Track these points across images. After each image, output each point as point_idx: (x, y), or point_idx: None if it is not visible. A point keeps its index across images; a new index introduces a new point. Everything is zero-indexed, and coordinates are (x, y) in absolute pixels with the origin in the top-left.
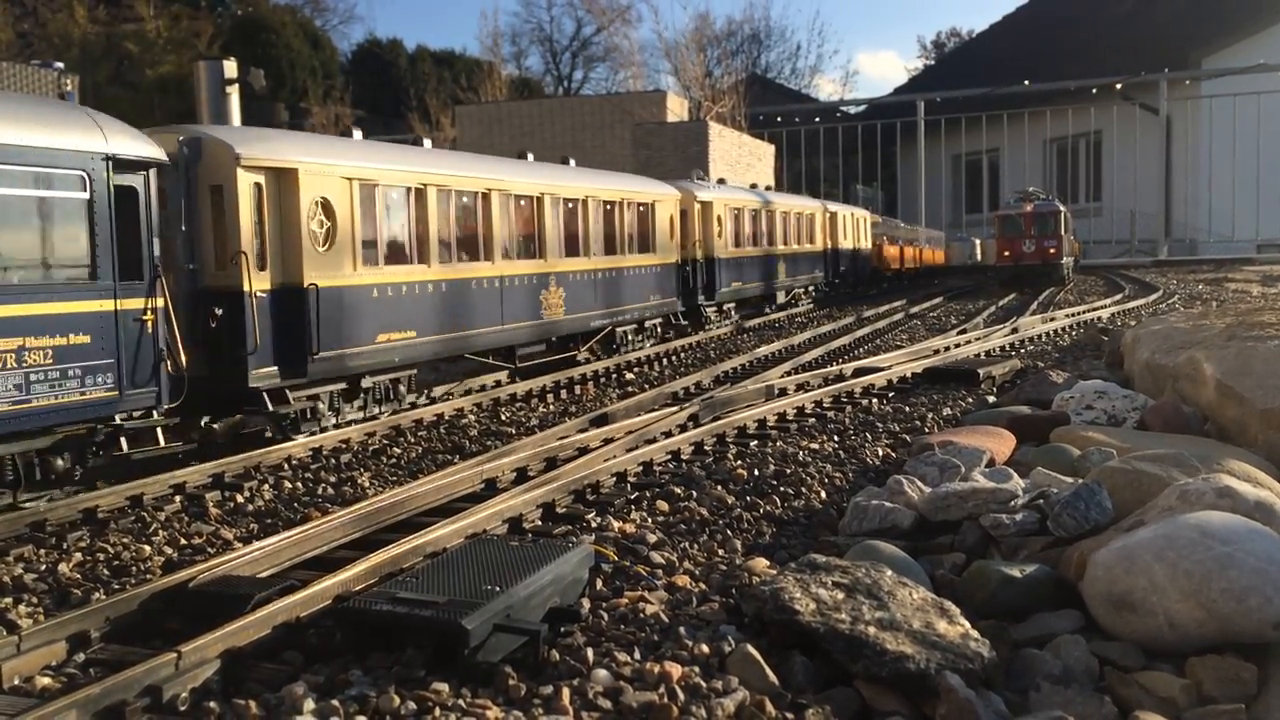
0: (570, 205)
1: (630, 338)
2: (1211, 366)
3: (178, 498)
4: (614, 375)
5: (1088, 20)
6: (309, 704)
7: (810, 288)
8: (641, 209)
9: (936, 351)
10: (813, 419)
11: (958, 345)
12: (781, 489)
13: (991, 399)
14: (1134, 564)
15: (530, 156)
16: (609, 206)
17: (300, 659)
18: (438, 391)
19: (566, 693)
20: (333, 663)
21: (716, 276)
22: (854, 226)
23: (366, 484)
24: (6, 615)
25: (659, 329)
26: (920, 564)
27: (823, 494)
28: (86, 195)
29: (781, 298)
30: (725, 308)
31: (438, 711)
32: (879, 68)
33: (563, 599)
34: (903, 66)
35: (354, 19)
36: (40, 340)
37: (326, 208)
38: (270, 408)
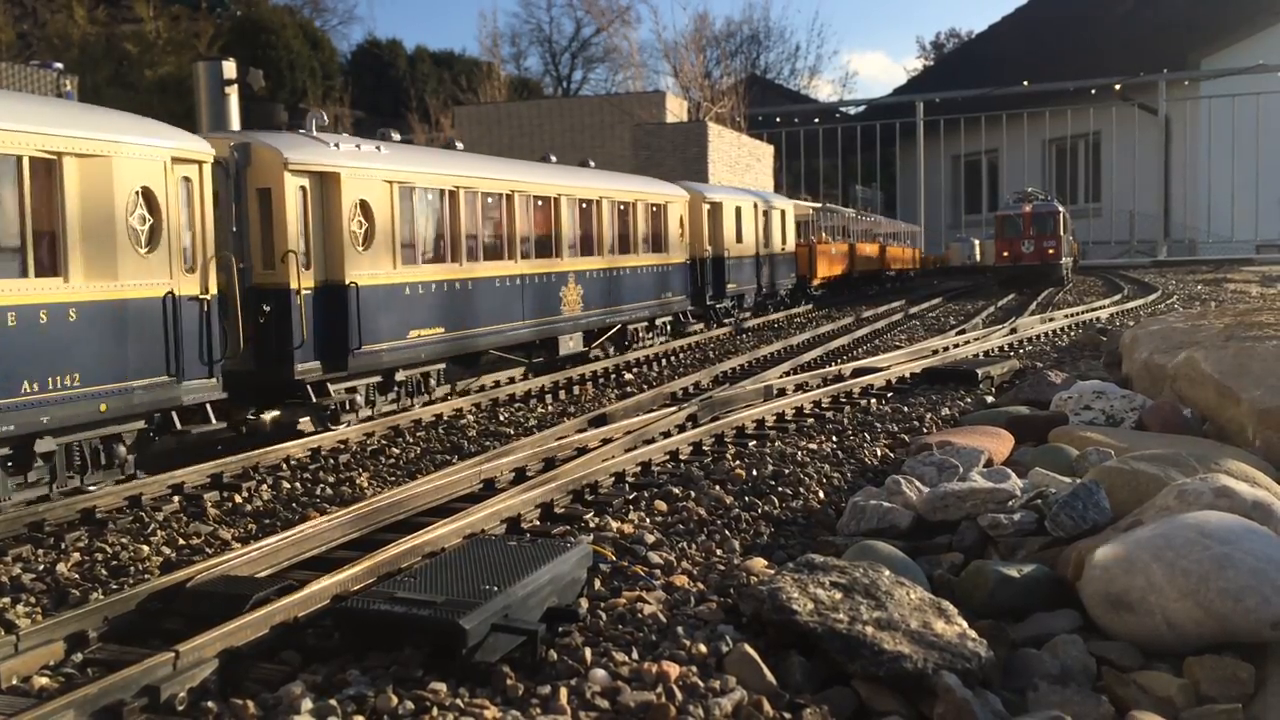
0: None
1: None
2: (1210, 367)
3: (176, 498)
4: (613, 376)
5: (1087, 21)
6: (307, 703)
7: (663, 318)
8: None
9: (935, 352)
10: (811, 419)
11: (956, 345)
12: (780, 489)
13: (990, 399)
14: (1132, 564)
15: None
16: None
17: (298, 659)
18: (441, 391)
19: (564, 692)
20: (331, 662)
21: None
22: (757, 223)
23: (365, 484)
24: (4, 615)
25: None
26: (918, 564)
27: (821, 494)
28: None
29: (572, 345)
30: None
31: (435, 711)
32: (868, 68)
33: (561, 599)
34: (900, 68)
35: (353, 20)
36: None
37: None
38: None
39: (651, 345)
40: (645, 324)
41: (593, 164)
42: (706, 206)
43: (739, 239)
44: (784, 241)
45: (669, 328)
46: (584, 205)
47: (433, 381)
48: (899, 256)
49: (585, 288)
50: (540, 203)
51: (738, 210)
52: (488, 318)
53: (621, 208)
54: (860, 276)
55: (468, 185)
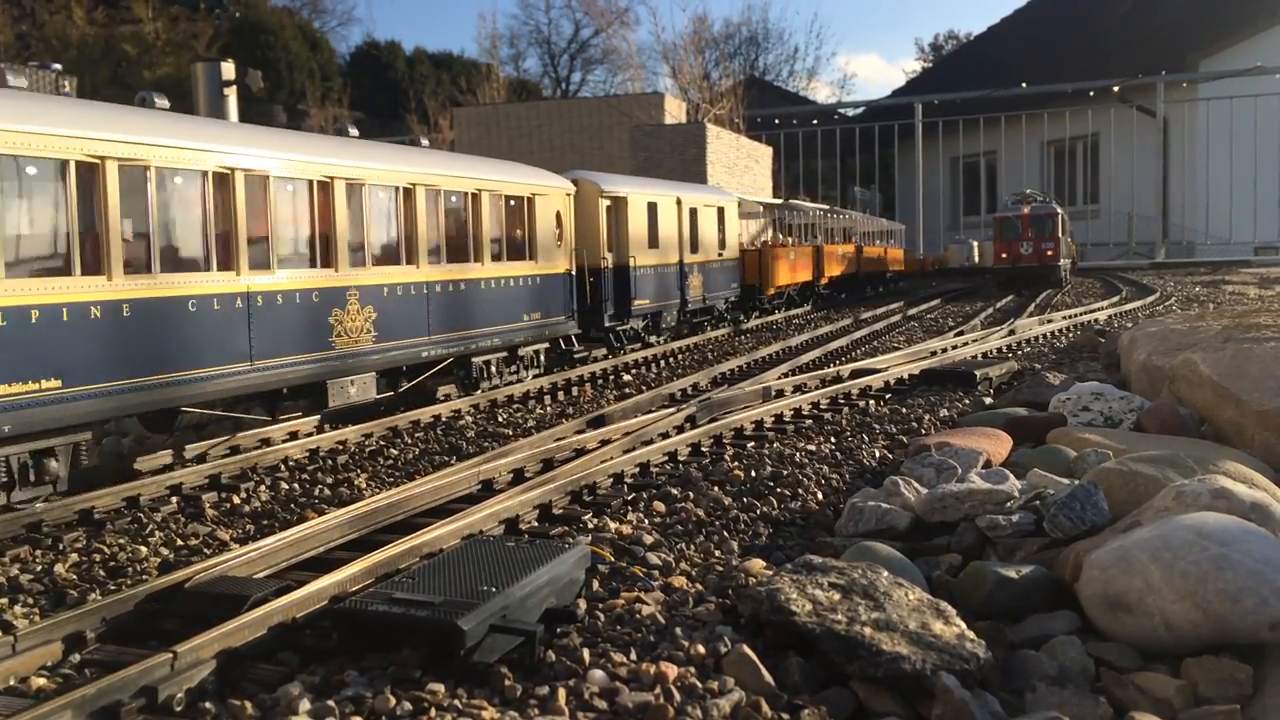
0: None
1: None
2: (1208, 368)
3: (174, 499)
4: (611, 377)
5: (1085, 23)
6: (304, 704)
7: (532, 347)
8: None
9: (934, 353)
10: (810, 420)
11: (955, 347)
12: (778, 490)
13: (988, 400)
14: (1130, 565)
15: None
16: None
17: (296, 659)
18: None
19: (562, 693)
20: (329, 663)
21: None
22: (681, 223)
23: (363, 485)
24: (2, 616)
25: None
26: (916, 565)
27: (819, 495)
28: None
29: (355, 392)
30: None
31: (433, 712)
32: (863, 70)
33: (559, 600)
34: (894, 70)
35: (352, 21)
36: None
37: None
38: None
39: (519, 382)
40: (503, 354)
41: (426, 143)
42: (605, 203)
43: (653, 243)
44: (723, 245)
45: (541, 358)
46: (380, 194)
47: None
48: (882, 258)
49: (380, 310)
50: (292, 188)
51: (651, 207)
52: (187, 356)
53: (453, 200)
54: (834, 283)
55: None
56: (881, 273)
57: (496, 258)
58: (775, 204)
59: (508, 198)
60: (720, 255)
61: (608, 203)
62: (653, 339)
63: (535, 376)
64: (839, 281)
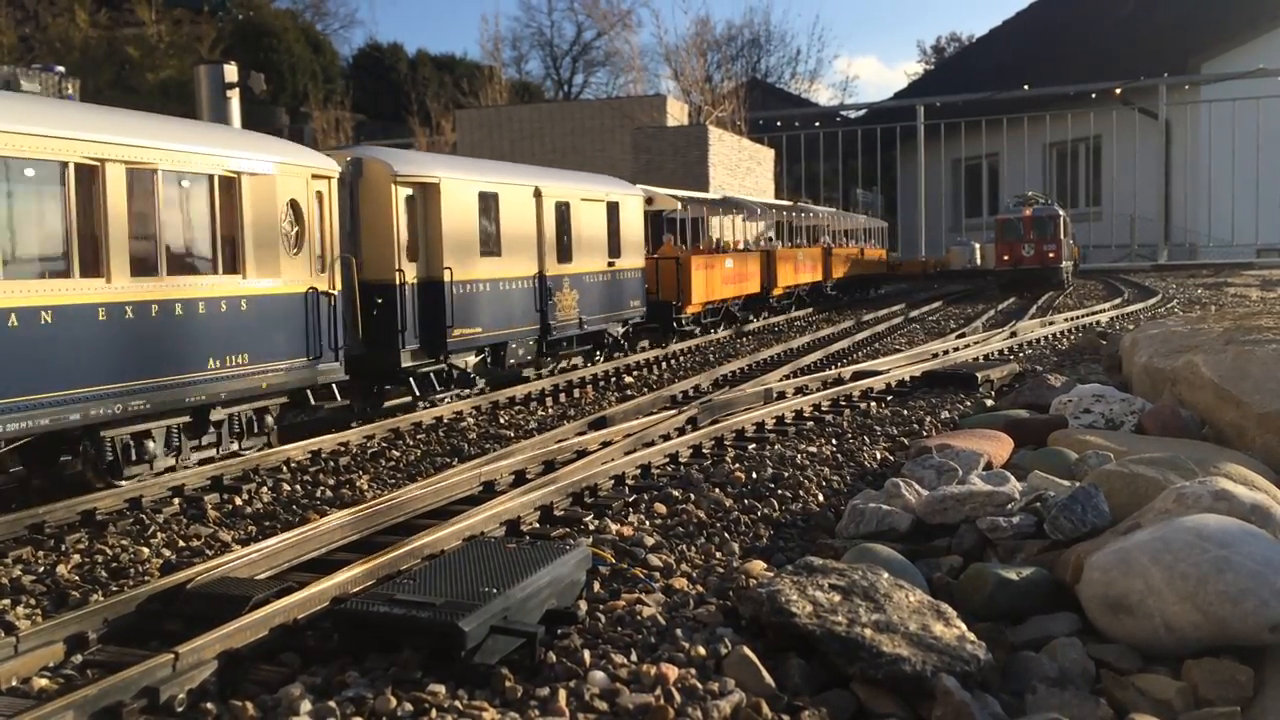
0: None
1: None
2: (1209, 370)
3: (176, 500)
4: (613, 379)
5: (1087, 25)
6: (306, 705)
7: (245, 406)
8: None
9: (935, 355)
10: (811, 422)
11: (956, 349)
12: (779, 492)
13: (990, 402)
14: (1130, 567)
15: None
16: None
17: (298, 660)
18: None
19: (563, 694)
20: (330, 664)
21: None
22: (542, 223)
23: (365, 486)
24: (4, 617)
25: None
26: (917, 566)
27: (820, 497)
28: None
29: None
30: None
31: (434, 713)
32: (861, 72)
33: (560, 601)
34: (893, 72)
35: (355, 23)
36: None
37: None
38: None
39: (188, 466)
40: (176, 422)
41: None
42: (404, 191)
43: (489, 248)
44: (616, 252)
45: (257, 424)
46: None
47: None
48: (856, 260)
49: None
50: None
51: (486, 200)
52: None
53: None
54: (790, 293)
55: None
56: (863, 278)
57: (145, 271)
58: (704, 199)
59: (212, 177)
60: (611, 265)
61: (408, 191)
62: (482, 384)
63: (267, 447)
64: (800, 292)
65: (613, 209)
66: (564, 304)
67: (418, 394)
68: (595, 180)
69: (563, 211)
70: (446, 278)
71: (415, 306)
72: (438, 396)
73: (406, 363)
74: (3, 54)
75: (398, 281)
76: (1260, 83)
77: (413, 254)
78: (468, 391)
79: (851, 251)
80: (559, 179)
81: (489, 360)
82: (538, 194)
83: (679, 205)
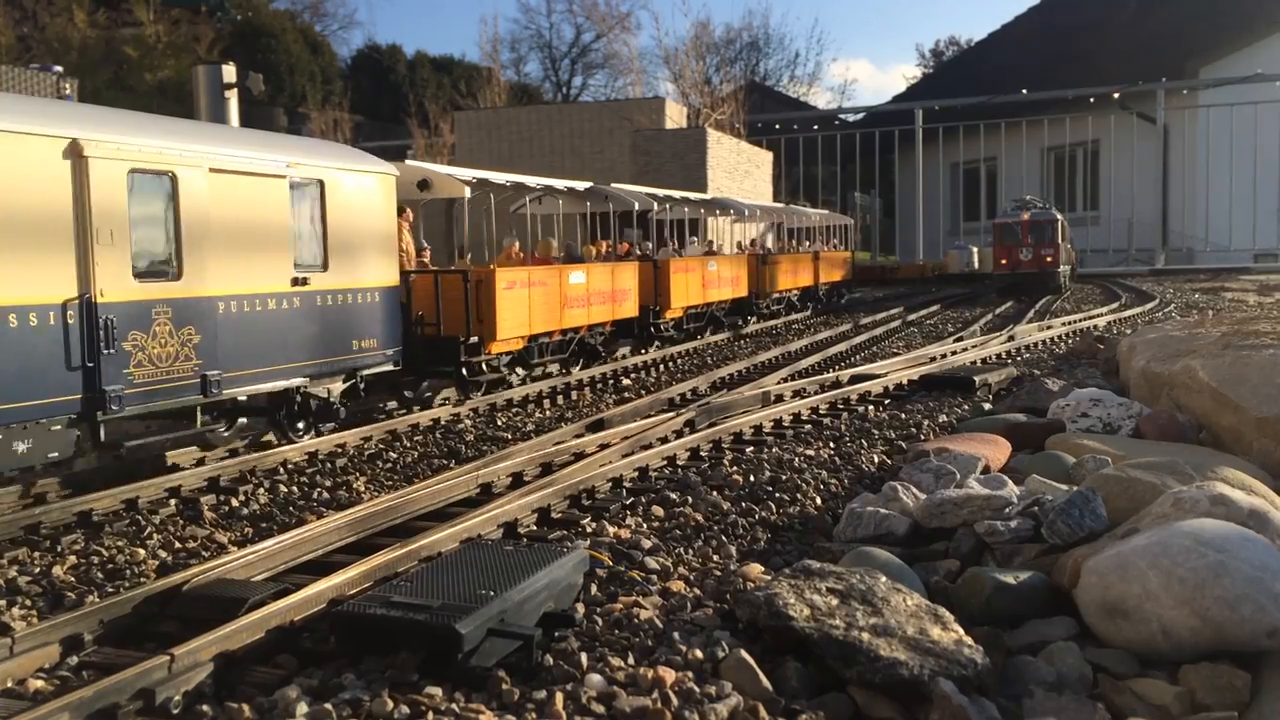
0: None
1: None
2: (1207, 375)
3: (173, 501)
4: (611, 381)
5: (1085, 30)
6: (302, 707)
7: None
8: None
9: (933, 359)
10: (809, 425)
11: (954, 353)
12: (777, 495)
13: (987, 406)
14: (1128, 571)
15: None
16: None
17: (294, 662)
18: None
19: (560, 697)
20: (326, 666)
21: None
22: (86, 204)
23: (362, 488)
24: (0, 618)
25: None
26: (914, 570)
27: (818, 500)
28: None
29: None
30: None
31: (431, 716)
32: (853, 75)
33: (557, 604)
34: (885, 76)
35: (353, 24)
36: None
37: None
38: None
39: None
40: None
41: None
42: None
43: None
44: (314, 261)
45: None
46: None
47: None
48: (806, 265)
49: None
50: None
51: None
52: None
53: None
54: (701, 313)
55: None
56: (814, 287)
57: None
58: (567, 190)
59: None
60: (300, 283)
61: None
62: None
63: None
64: (720, 310)
65: (308, 192)
66: (158, 351)
67: None
68: (262, 143)
69: (151, 188)
70: None
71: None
72: None
73: None
74: (1, 54)
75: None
76: (1257, 88)
77: None
78: None
79: (798, 260)
80: (147, 130)
81: None
82: (78, 155)
83: (467, 191)
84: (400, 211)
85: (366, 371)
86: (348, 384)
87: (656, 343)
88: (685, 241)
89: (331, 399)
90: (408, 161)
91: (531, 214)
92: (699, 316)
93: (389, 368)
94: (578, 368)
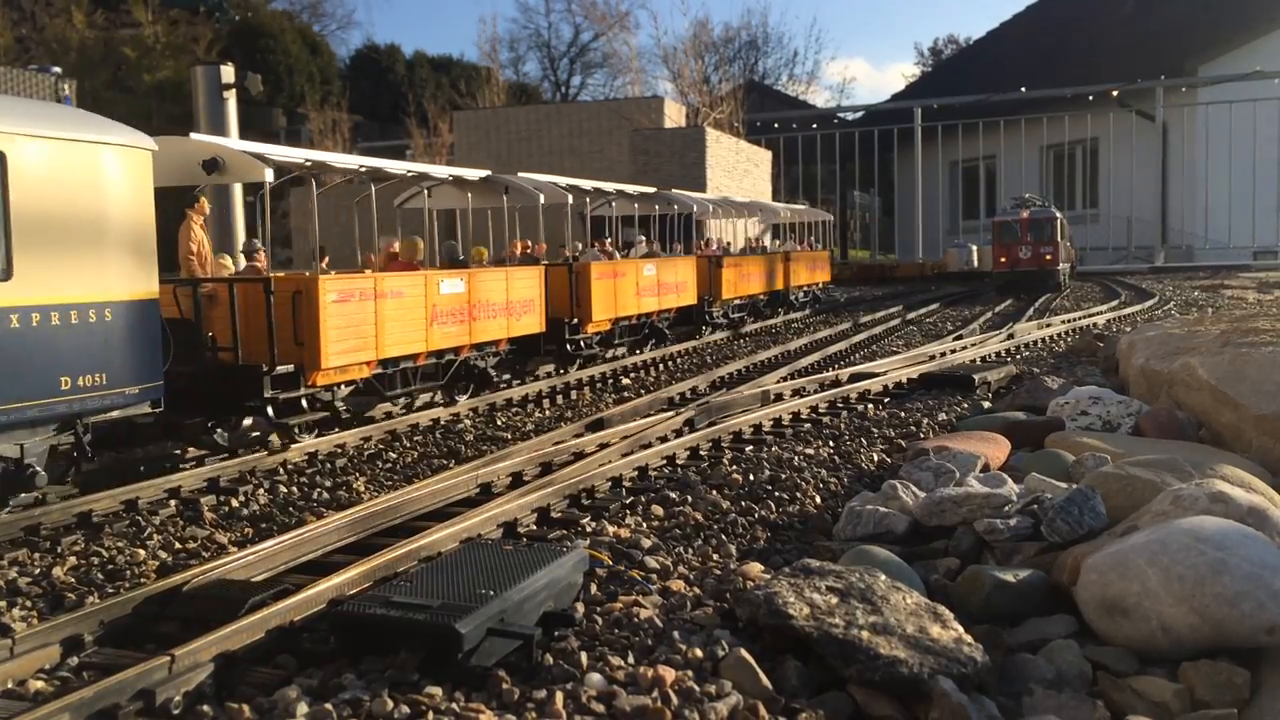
0: None
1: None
2: (1206, 372)
3: (173, 502)
4: (610, 380)
5: (1084, 27)
6: (302, 707)
7: None
8: None
9: (933, 357)
10: (808, 424)
11: (954, 351)
12: (776, 494)
13: (987, 404)
14: (1127, 569)
15: None
16: None
17: (294, 663)
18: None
19: (560, 696)
20: (326, 666)
21: None
22: None
23: (362, 489)
24: (0, 619)
25: None
26: (914, 569)
27: (818, 499)
28: None
29: None
30: None
31: (431, 715)
32: (849, 74)
33: (557, 603)
34: (882, 74)
35: (352, 25)
36: None
37: None
38: None
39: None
40: None
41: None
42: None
43: None
44: None
45: None
46: None
47: None
48: (775, 269)
49: None
50: None
51: None
52: None
53: None
54: (635, 327)
55: None
56: (781, 291)
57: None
58: (452, 179)
59: None
60: None
61: None
62: None
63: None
64: (663, 321)
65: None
66: None
67: None
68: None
69: None
70: None
71: None
72: None
73: None
74: None
75: None
76: (1257, 85)
77: None
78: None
79: (762, 260)
80: None
81: None
82: None
83: (268, 175)
84: (193, 202)
85: (95, 418)
86: (58, 436)
87: (579, 361)
88: (630, 241)
89: (25, 460)
90: (193, 135)
91: (431, 210)
92: (635, 329)
93: (138, 409)
94: (465, 396)
